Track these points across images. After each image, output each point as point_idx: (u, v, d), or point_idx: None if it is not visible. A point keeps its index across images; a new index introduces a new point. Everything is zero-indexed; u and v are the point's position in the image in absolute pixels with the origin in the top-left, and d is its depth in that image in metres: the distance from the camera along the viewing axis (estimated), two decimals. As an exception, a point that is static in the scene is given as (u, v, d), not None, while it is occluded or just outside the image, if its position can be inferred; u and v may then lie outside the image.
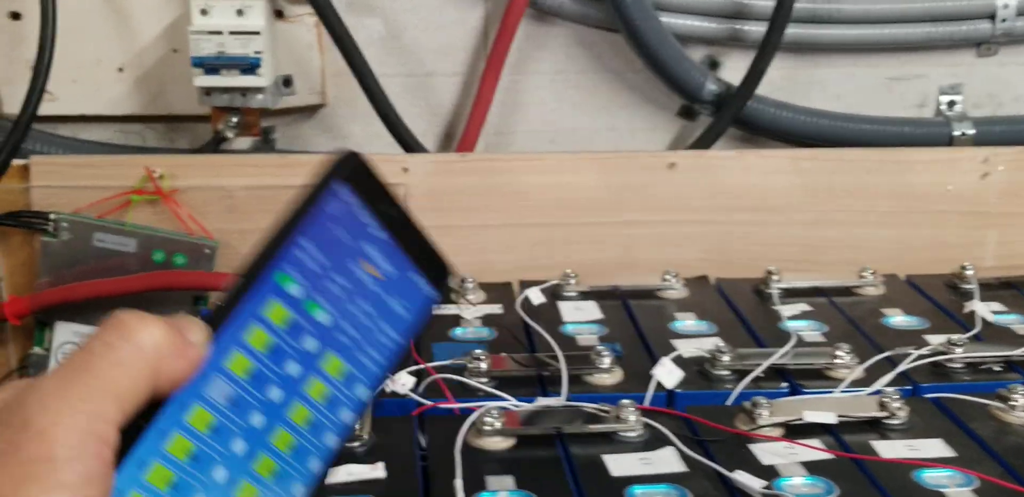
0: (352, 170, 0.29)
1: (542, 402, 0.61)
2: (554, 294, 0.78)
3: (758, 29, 0.93)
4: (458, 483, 0.51)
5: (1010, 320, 0.75)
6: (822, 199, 0.86)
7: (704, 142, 0.92)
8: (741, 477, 0.52)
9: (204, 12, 0.78)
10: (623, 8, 0.86)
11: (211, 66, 0.78)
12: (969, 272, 0.81)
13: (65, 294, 0.74)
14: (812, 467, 0.54)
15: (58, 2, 0.75)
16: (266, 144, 0.91)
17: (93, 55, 0.85)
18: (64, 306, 0.76)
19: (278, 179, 0.80)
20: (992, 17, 0.95)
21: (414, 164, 0.80)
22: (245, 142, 0.90)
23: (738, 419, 0.59)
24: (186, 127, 0.91)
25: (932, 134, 0.97)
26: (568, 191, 0.83)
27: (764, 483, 0.52)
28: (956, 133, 0.97)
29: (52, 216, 0.76)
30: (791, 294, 0.79)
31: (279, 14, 0.85)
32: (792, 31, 0.93)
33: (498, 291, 0.78)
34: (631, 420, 0.57)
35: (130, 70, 0.86)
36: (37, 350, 0.78)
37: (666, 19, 0.90)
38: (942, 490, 0.53)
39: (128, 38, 0.85)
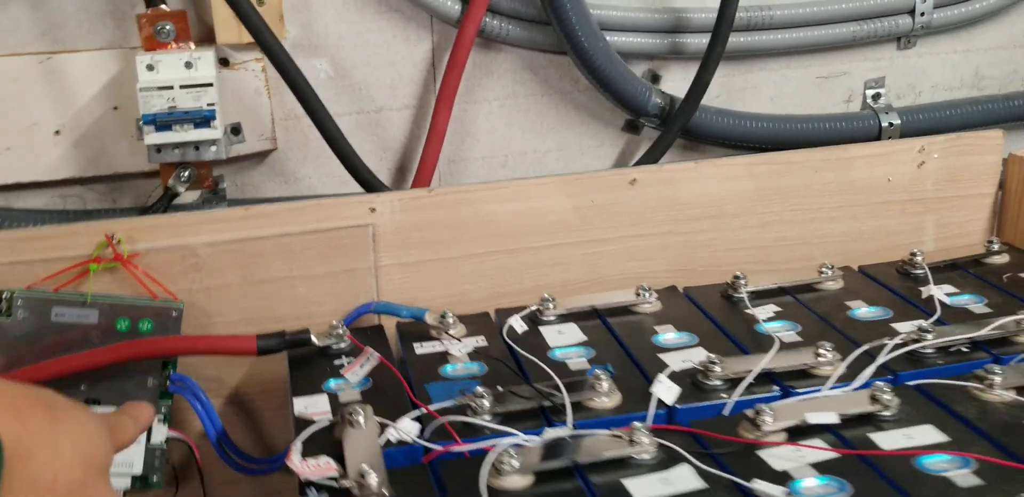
0: None
1: (551, 434, 0.61)
2: (533, 320, 0.79)
3: (697, 41, 0.95)
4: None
5: (964, 300, 0.79)
6: (774, 201, 0.89)
7: (654, 155, 0.94)
8: (760, 486, 0.54)
9: (151, 68, 0.76)
10: (570, 31, 0.87)
11: (163, 123, 0.76)
12: (918, 258, 0.85)
13: (30, 375, 0.71)
14: (821, 467, 0.56)
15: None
16: (215, 195, 0.89)
17: (27, 119, 0.82)
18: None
19: (242, 232, 0.78)
20: (912, 12, 1.00)
21: (380, 203, 0.80)
22: (193, 195, 0.89)
23: (742, 428, 0.61)
24: (129, 185, 0.89)
25: (863, 127, 1.01)
26: (533, 216, 0.84)
27: (784, 490, 0.54)
28: (884, 124, 1.02)
29: (4, 294, 0.73)
30: (758, 296, 0.81)
31: (224, 62, 0.84)
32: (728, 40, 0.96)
33: (477, 322, 0.79)
34: (644, 442, 0.58)
35: (68, 132, 0.83)
36: None
37: (609, 37, 0.92)
38: (945, 474, 0.55)
39: (64, 99, 0.82)
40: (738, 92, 1.01)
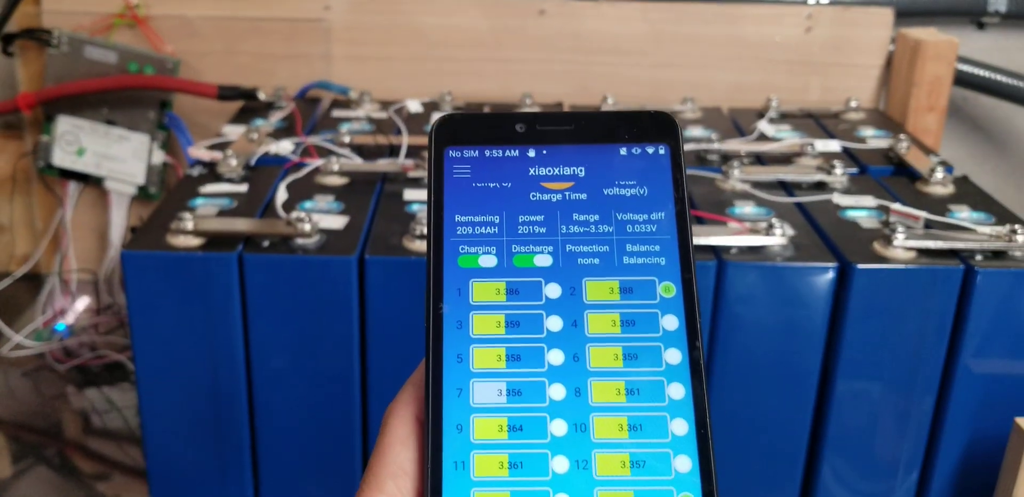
0: (452, 132, 0.28)
1: (381, 162, 0.83)
2: (435, 108, 1.00)
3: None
4: (282, 185, 0.74)
5: (788, 135, 0.94)
6: (667, 45, 1.05)
7: None
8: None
9: None
10: None
11: (176, -81, 1.00)
12: (773, 103, 1.00)
13: (61, 90, 0.99)
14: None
15: None
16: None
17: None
18: (62, 101, 1.01)
19: (228, 12, 1.02)
20: None
21: (335, 2, 1.02)
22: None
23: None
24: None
25: None
26: (455, 32, 1.04)
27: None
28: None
29: (55, 32, 1.01)
30: (622, 116, 0.99)
31: None
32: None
33: (391, 104, 1.01)
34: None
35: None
36: (44, 138, 1.04)
37: None
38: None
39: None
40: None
